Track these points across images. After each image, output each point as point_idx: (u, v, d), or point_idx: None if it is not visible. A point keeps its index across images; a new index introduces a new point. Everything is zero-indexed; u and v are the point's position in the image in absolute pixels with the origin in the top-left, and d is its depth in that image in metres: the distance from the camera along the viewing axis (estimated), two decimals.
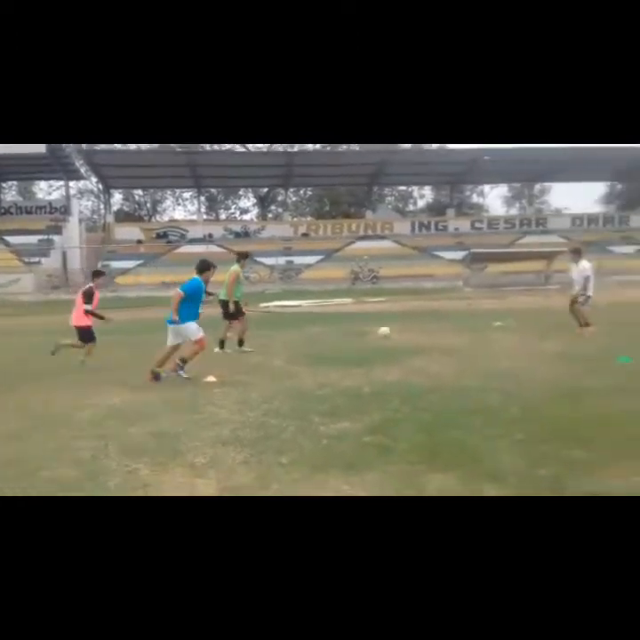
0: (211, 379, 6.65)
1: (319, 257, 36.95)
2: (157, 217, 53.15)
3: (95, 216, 45.56)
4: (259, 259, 36.59)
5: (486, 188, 53.86)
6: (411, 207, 54.57)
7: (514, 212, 50.52)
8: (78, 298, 8.34)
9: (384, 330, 10.64)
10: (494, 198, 77.38)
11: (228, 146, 47.58)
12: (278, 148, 46.82)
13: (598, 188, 51.23)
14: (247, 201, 53.87)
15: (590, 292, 10.50)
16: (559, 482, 3.33)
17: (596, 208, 49.34)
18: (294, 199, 51.69)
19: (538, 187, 51.25)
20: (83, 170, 40.15)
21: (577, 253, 10.93)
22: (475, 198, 55.01)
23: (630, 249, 36.35)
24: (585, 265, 10.59)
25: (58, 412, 5.40)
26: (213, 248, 35.96)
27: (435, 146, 49.20)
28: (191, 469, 3.80)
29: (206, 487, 3.50)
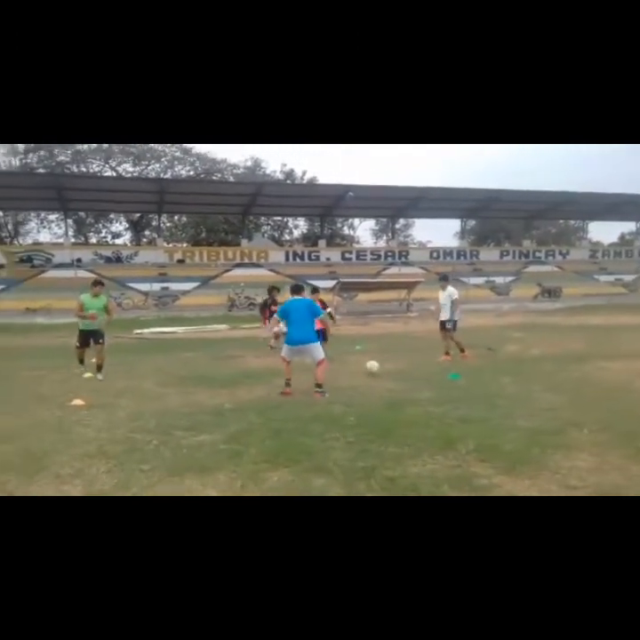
0: (78, 402, 6.89)
1: (196, 283, 36.96)
2: (20, 239, 50.04)
3: None
4: (132, 284, 35.84)
5: (356, 220, 57.10)
6: (286, 237, 56.20)
7: (381, 244, 53.99)
8: None
9: (372, 364, 9.02)
10: (363, 230, 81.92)
11: (96, 169, 46.34)
12: (151, 173, 46.44)
13: (455, 225, 56.46)
14: (119, 225, 52.43)
15: (457, 317, 10.85)
16: (372, 470, 4.20)
17: (452, 242, 54.32)
18: (169, 225, 51.18)
19: (402, 221, 55.39)
20: None
21: (445, 279, 11.25)
22: (346, 230, 58.02)
23: (479, 280, 40.44)
24: (451, 290, 10.92)
25: None
26: (82, 273, 34.68)
27: (305, 179, 51.67)
28: (57, 479, 4.19)
29: (72, 492, 3.93)
